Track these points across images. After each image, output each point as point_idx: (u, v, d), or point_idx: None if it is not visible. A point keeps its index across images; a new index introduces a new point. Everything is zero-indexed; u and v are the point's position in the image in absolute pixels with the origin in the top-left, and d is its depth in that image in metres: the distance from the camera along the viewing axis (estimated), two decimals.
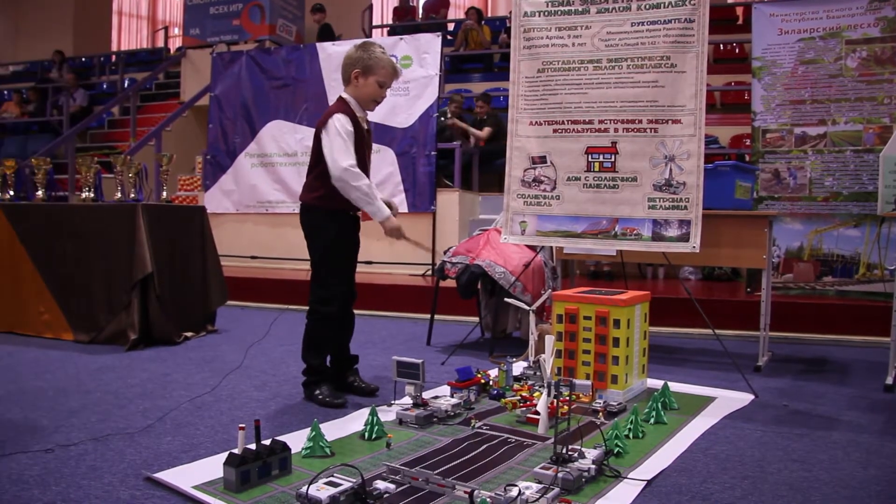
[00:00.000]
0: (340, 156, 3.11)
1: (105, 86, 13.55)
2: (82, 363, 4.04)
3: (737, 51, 10.53)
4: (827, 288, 5.55)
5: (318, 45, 8.17)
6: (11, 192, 5.48)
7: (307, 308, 3.29)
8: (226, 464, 2.18)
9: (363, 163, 3.24)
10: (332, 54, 7.90)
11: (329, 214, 3.25)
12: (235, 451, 2.20)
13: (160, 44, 16.10)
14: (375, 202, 3.16)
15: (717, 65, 10.11)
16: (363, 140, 3.27)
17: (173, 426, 2.85)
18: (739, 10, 11.40)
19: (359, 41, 3.41)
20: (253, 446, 2.22)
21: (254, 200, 8.26)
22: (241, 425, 2.26)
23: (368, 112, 3.37)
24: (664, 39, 3.66)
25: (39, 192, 5.31)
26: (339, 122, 3.15)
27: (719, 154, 7.84)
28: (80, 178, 5.18)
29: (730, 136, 8.73)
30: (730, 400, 3.36)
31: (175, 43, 15.92)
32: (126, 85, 12.68)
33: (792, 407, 3.28)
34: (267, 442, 2.28)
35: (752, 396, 3.42)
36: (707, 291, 6.30)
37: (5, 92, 14.05)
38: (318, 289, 3.27)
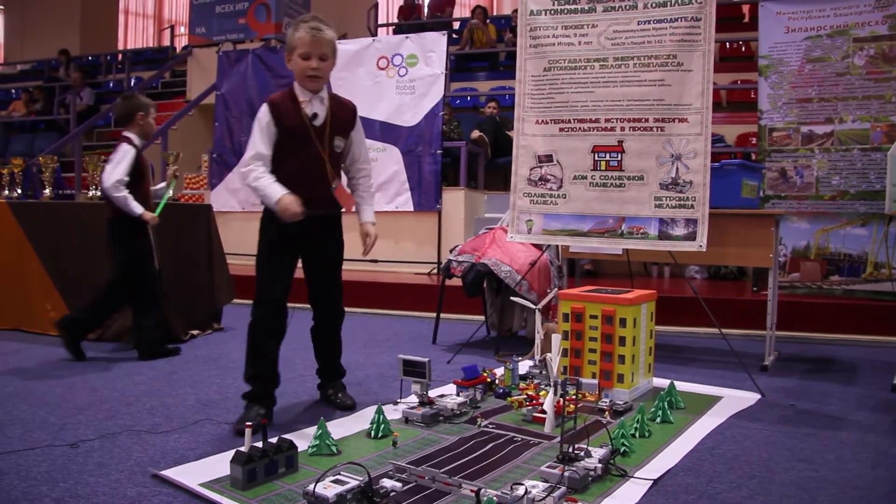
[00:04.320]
0: (248, 152, 2.87)
1: (111, 84, 13.57)
2: (89, 360, 4.06)
3: (743, 49, 10.49)
4: (834, 287, 5.53)
5: None
6: (19, 190, 5.51)
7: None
8: (233, 461, 2.19)
9: (301, 156, 2.91)
10: (339, 53, 7.88)
11: (269, 214, 2.90)
12: (242, 448, 2.21)
13: (166, 42, 16.13)
14: (266, 189, 2.79)
15: (723, 63, 10.07)
16: (295, 129, 2.88)
17: (180, 424, 2.86)
18: (746, 9, 11.35)
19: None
20: (260, 444, 2.22)
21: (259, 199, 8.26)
22: (248, 423, 2.26)
23: (316, 96, 2.93)
24: (671, 38, 3.65)
25: (47, 191, 5.33)
26: (259, 114, 2.89)
27: (725, 153, 7.82)
28: (86, 176, 5.20)
29: (736, 134, 8.71)
30: (736, 399, 3.36)
31: (181, 42, 15.94)
32: (132, 83, 12.70)
33: (799, 406, 3.27)
34: (273, 440, 2.29)
35: (758, 396, 3.42)
36: (713, 290, 6.28)
37: (13, 91, 14.11)
38: (256, 290, 3.04)
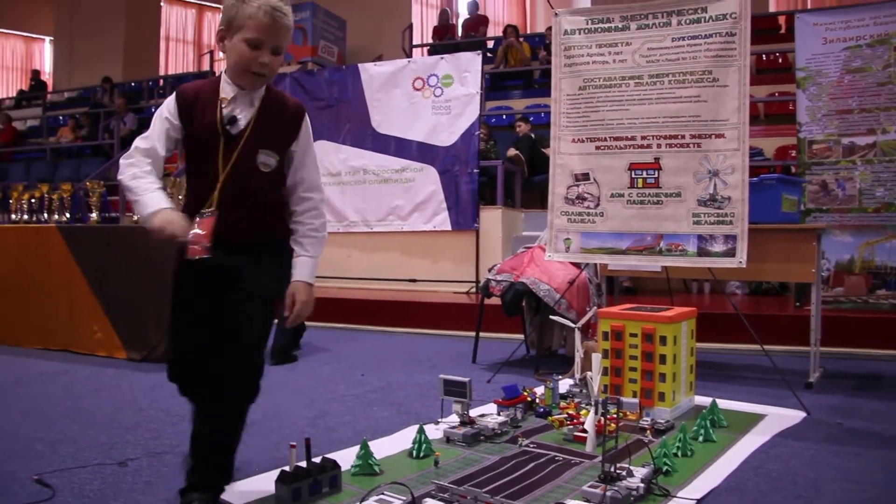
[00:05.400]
0: (136, 141, 2.22)
1: (153, 109, 13.85)
2: (135, 381, 4.15)
3: (780, 60, 10.39)
4: (881, 301, 5.43)
5: (360, 65, 8.29)
6: (67, 215, 5.66)
7: None
8: (278, 481, 2.23)
9: (200, 172, 2.20)
10: (374, 75, 8.02)
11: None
12: (287, 468, 2.25)
13: (206, 67, 16.48)
14: (142, 194, 2.10)
15: (760, 75, 9.99)
16: (201, 134, 2.17)
17: None
18: (782, 20, 11.26)
19: None
20: (304, 464, 2.26)
21: None
22: (292, 443, 2.30)
23: (247, 93, 2.20)
24: (705, 54, 3.65)
25: (93, 214, 5.48)
26: (165, 101, 2.22)
27: (764, 166, 7.74)
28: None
29: (775, 147, 8.61)
30: (780, 417, 3.31)
31: (220, 66, 16.28)
32: None
33: (846, 425, 3.21)
34: (317, 459, 2.32)
35: (803, 414, 3.36)
36: (755, 306, 6.20)
37: (61, 118, 14.53)
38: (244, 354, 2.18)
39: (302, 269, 2.28)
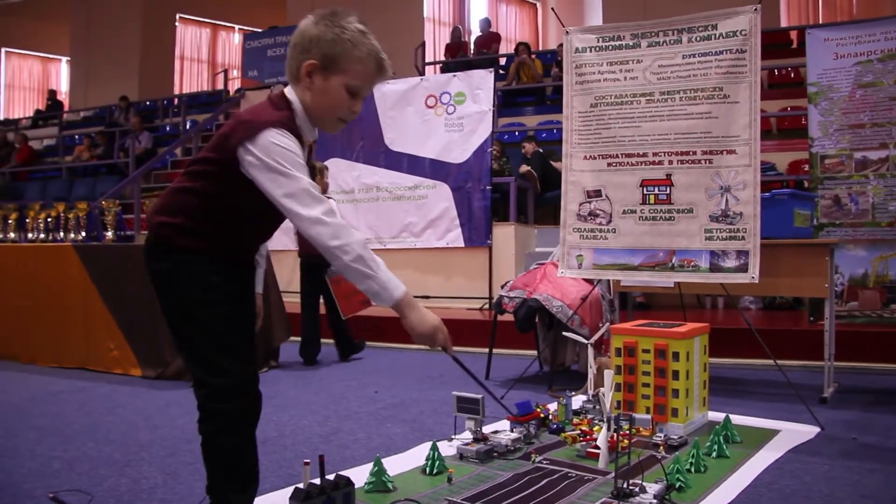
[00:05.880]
0: (302, 199, 1.82)
1: (168, 128, 14.04)
2: (150, 398, 4.18)
3: (792, 75, 10.38)
4: (895, 316, 5.39)
5: None
6: (83, 233, 5.72)
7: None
8: (292, 498, 2.24)
9: (270, 210, 1.88)
10: (387, 93, 8.06)
11: (211, 260, 1.94)
12: (300, 485, 2.26)
13: (220, 86, 16.64)
14: (384, 271, 1.85)
15: (771, 90, 9.97)
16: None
17: None
18: (793, 35, 11.27)
19: (325, 11, 1.95)
20: (318, 481, 2.27)
21: None
22: (305, 460, 2.31)
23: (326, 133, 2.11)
24: (716, 71, 3.67)
25: (109, 233, 5.54)
26: (274, 138, 1.80)
27: (777, 181, 7.72)
28: (145, 219, 5.39)
29: (787, 162, 8.58)
30: (794, 433, 3.29)
31: (234, 85, 16.43)
32: (188, 126, 13.12)
33: (861, 440, 3.19)
34: (331, 477, 2.33)
35: (817, 429, 3.34)
36: (768, 321, 6.17)
37: (77, 136, 14.69)
38: (205, 373, 1.93)
39: (259, 283, 2.34)
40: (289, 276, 7.56)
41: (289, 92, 1.95)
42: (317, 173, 5.38)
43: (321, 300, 5.59)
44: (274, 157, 1.79)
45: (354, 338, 5.72)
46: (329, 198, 5.04)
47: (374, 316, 6.50)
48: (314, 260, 5.51)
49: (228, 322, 1.95)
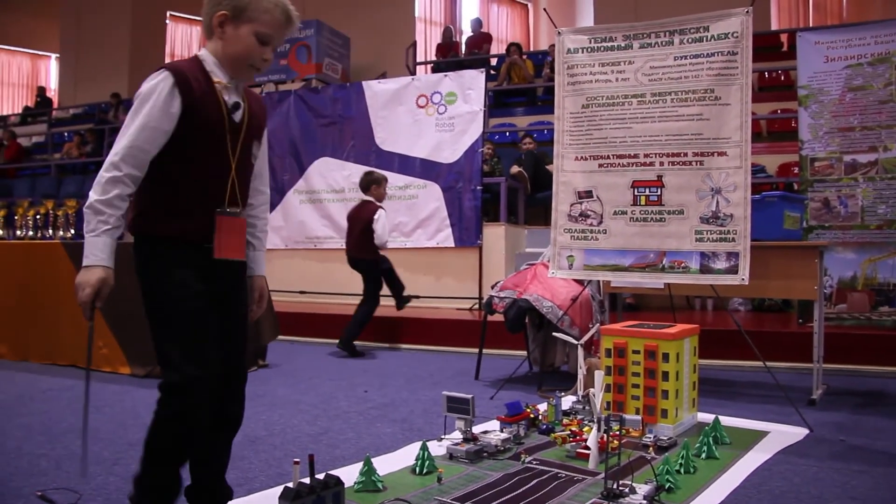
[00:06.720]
0: (119, 141, 1.94)
1: None
2: (139, 396, 4.15)
3: (782, 78, 10.44)
4: (884, 318, 5.43)
5: (364, 83, 8.36)
6: (73, 231, 5.69)
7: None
8: (281, 498, 2.22)
9: (204, 164, 2.02)
10: (378, 92, 8.07)
11: (176, 248, 2.04)
12: (290, 485, 2.25)
13: None
14: (97, 231, 1.95)
15: (762, 93, 10.03)
16: (214, 122, 2.01)
17: None
18: (784, 38, 11.33)
19: None
20: (307, 480, 2.26)
21: (302, 236, 8.41)
22: (295, 459, 2.30)
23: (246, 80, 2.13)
24: (707, 72, 3.68)
25: None
26: (153, 82, 1.96)
27: (767, 183, 7.76)
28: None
29: (777, 164, 8.64)
30: (783, 434, 3.31)
31: None
32: None
33: (849, 442, 3.21)
34: (321, 476, 2.32)
35: (806, 431, 3.36)
36: (757, 323, 6.20)
37: (66, 134, 14.61)
38: (161, 363, 2.05)
39: (261, 265, 2.30)
40: (279, 275, 7.55)
41: (204, 48, 2.10)
42: (382, 182, 6.05)
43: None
44: (136, 97, 1.98)
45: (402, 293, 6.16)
46: (381, 207, 5.90)
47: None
48: (354, 261, 6.04)
49: (190, 320, 2.01)
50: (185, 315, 2.01)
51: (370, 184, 6.02)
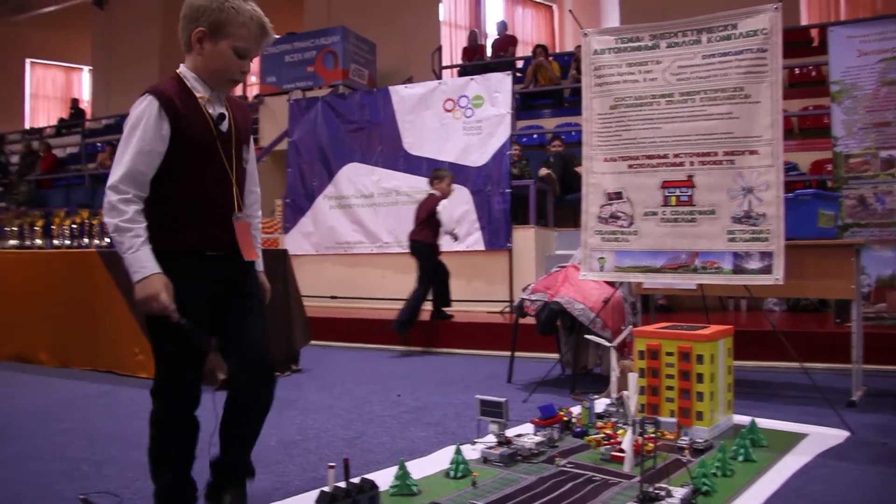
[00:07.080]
0: (115, 169, 2.04)
1: None
2: None
3: (813, 73, 10.28)
4: None
5: (391, 88, 8.40)
6: (108, 240, 5.79)
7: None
8: (317, 501, 2.24)
9: (201, 177, 2.14)
10: (405, 97, 8.10)
11: (169, 257, 2.08)
12: (326, 489, 2.26)
13: (238, 92, 16.77)
14: (136, 249, 2.01)
15: (793, 89, 9.88)
16: (198, 137, 2.12)
17: (263, 465, 2.94)
18: (814, 33, 11.16)
19: None
20: (343, 484, 2.28)
21: (332, 241, 8.47)
22: (330, 464, 2.32)
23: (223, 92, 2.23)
24: (736, 70, 3.64)
25: None
26: (139, 109, 2.06)
27: (800, 181, 7.65)
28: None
29: (810, 161, 8.51)
30: (823, 437, 3.25)
31: (252, 91, 16.57)
32: None
33: (892, 445, 3.14)
34: (356, 480, 2.34)
35: (846, 433, 3.30)
36: (793, 323, 6.11)
37: (99, 144, 14.86)
38: (157, 373, 2.32)
39: (260, 262, 2.40)
40: (309, 280, 7.60)
41: (183, 66, 2.19)
42: (445, 178, 6.55)
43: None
44: (125, 125, 2.06)
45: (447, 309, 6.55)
46: (442, 199, 6.47)
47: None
48: (412, 245, 6.49)
49: (176, 347, 2.23)
50: (173, 340, 2.18)
51: (433, 179, 6.67)
